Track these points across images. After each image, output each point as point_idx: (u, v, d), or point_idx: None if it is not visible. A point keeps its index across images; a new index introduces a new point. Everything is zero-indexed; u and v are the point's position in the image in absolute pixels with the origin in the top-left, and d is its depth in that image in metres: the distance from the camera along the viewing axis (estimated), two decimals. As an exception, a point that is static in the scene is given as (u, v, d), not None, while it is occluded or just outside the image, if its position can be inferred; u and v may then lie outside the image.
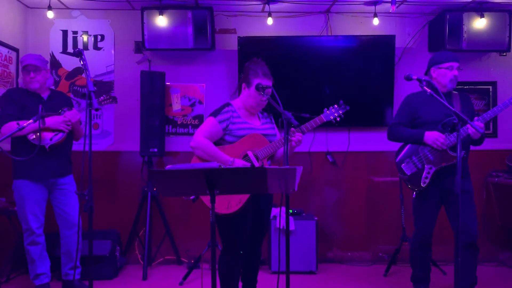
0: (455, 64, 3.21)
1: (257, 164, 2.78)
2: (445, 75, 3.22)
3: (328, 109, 2.90)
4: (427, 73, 3.33)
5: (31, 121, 2.87)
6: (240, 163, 2.74)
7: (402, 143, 3.35)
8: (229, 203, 2.72)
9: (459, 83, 3.34)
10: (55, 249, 3.79)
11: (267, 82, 2.83)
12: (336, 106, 2.89)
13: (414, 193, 3.32)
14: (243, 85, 2.90)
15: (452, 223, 3.25)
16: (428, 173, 3.18)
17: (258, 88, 2.79)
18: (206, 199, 2.75)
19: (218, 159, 2.75)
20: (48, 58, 4.49)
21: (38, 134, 3.25)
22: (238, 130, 2.83)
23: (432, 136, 3.14)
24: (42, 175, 3.40)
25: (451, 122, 3.07)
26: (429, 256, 3.37)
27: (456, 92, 3.32)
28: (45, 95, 3.48)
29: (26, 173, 3.38)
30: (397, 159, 3.34)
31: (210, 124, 2.83)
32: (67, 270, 3.58)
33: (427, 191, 3.22)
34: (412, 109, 3.30)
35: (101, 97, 3.58)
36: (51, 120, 3.34)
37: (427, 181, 3.18)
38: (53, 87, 3.67)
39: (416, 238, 3.34)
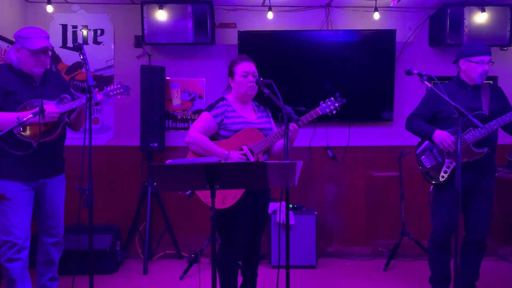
0: (487, 58, 3.03)
1: (252, 159, 2.78)
2: (474, 69, 3.05)
3: (324, 102, 2.88)
4: (455, 63, 3.17)
5: (30, 115, 2.65)
6: (235, 155, 2.74)
7: (423, 139, 3.23)
8: (225, 198, 2.72)
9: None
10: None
11: (247, 65, 2.86)
12: (332, 98, 2.88)
13: (431, 186, 3.21)
14: (229, 79, 2.93)
15: (464, 220, 3.18)
16: (448, 167, 3.06)
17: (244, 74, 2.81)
18: (201, 194, 2.75)
19: (213, 153, 2.75)
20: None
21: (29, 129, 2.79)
22: (233, 124, 2.83)
23: (440, 136, 3.02)
24: (29, 175, 2.87)
25: (479, 116, 2.95)
26: (448, 258, 3.20)
27: (488, 84, 3.17)
28: (38, 78, 2.92)
29: (12, 172, 2.85)
30: (418, 151, 3.22)
31: (204, 119, 2.83)
32: (46, 281, 3.07)
33: (445, 186, 3.09)
34: (435, 101, 3.13)
35: (110, 87, 2.99)
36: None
37: (446, 175, 3.07)
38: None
39: (433, 237, 3.21)
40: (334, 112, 2.87)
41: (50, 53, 2.97)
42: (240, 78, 2.84)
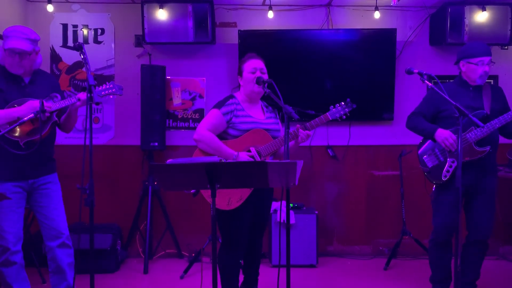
0: (486, 59, 3.03)
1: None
2: (474, 70, 3.05)
3: (334, 107, 2.87)
4: (456, 64, 3.18)
5: (31, 115, 2.65)
6: (244, 157, 2.73)
7: (425, 137, 3.23)
8: (230, 200, 2.72)
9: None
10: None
11: (256, 62, 2.87)
12: (343, 103, 2.87)
13: (434, 186, 3.21)
14: (239, 78, 2.93)
15: (466, 220, 3.19)
16: (450, 166, 3.05)
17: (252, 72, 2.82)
18: (206, 194, 2.75)
19: (222, 153, 2.74)
20: (48, 52, 4.48)
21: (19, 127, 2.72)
22: (241, 123, 2.82)
23: (443, 135, 3.02)
24: (19, 175, 2.81)
25: (480, 115, 2.96)
26: (449, 258, 3.21)
27: (489, 84, 3.17)
28: (27, 78, 2.87)
29: (1, 173, 2.80)
30: (420, 151, 3.22)
31: (214, 116, 2.82)
32: None
33: (447, 186, 3.09)
34: (436, 101, 3.13)
35: (102, 86, 2.90)
36: (25, 107, 2.73)
37: (448, 174, 3.07)
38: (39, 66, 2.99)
39: (433, 236, 3.21)
40: (344, 117, 2.87)
41: (32, 56, 2.80)
42: (248, 74, 2.84)
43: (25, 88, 2.85)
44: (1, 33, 3.90)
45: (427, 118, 3.21)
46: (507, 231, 4.52)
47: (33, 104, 2.74)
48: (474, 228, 3.17)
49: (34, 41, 2.81)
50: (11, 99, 2.78)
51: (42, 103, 2.69)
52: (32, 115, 2.66)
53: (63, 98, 2.91)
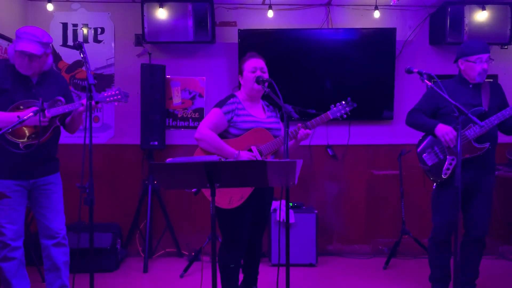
0: (484, 56, 3.03)
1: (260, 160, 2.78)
2: (473, 68, 3.06)
3: (335, 106, 2.87)
4: (455, 62, 3.19)
5: (31, 114, 2.59)
6: (245, 156, 2.74)
7: (425, 133, 3.23)
8: (231, 199, 2.72)
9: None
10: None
11: (256, 61, 2.87)
12: (343, 102, 2.87)
13: (434, 185, 3.21)
14: (239, 77, 2.93)
15: (464, 218, 3.19)
16: (450, 164, 3.05)
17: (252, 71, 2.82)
18: (208, 192, 2.75)
19: (224, 152, 2.74)
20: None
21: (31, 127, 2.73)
22: (243, 122, 2.82)
23: (443, 130, 3.02)
24: (20, 174, 2.81)
25: (478, 112, 2.97)
26: (448, 256, 3.22)
27: (488, 82, 3.18)
28: (35, 78, 2.85)
29: (1, 171, 2.81)
30: (419, 149, 3.22)
31: (215, 115, 2.82)
32: None
33: (447, 184, 3.09)
34: (436, 98, 3.13)
35: (108, 92, 2.86)
36: (28, 111, 2.69)
37: (448, 172, 3.06)
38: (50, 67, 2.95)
39: (433, 235, 3.22)
40: (345, 116, 2.87)
41: (42, 58, 2.78)
42: (249, 73, 2.85)
43: (31, 88, 2.83)
44: (1, 33, 3.93)
45: (427, 115, 3.21)
46: (507, 230, 4.52)
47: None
48: (474, 226, 3.17)
49: (46, 44, 2.77)
50: (17, 99, 2.76)
51: (42, 102, 2.67)
52: (31, 113, 2.62)
53: (70, 100, 2.89)
